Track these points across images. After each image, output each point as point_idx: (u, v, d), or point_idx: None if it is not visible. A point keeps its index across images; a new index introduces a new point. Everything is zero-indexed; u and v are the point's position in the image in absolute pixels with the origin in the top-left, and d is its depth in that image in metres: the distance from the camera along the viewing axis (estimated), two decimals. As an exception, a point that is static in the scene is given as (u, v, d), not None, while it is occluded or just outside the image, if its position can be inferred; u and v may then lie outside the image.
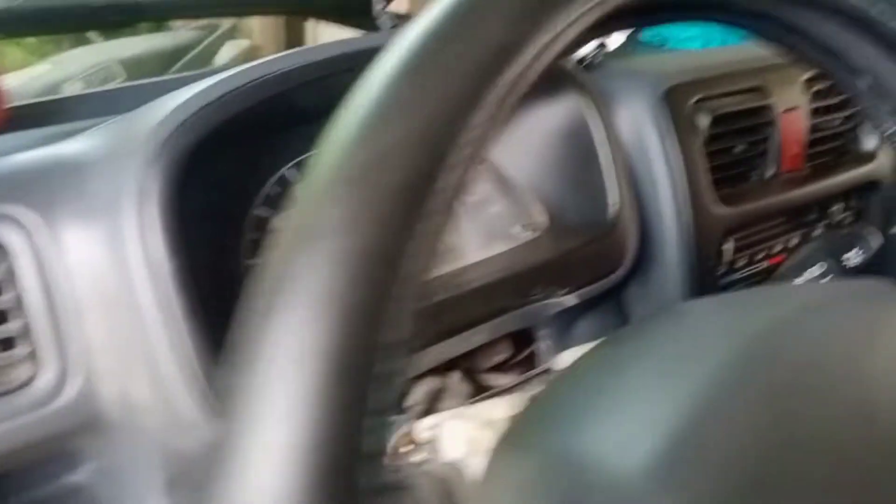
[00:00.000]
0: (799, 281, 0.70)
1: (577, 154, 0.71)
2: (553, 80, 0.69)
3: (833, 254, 0.62)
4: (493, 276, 0.64)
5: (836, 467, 0.31)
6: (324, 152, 0.22)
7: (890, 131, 0.51)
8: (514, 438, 0.40)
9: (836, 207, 0.91)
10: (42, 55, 1.33)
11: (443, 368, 0.69)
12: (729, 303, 0.45)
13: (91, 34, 1.33)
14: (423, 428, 0.58)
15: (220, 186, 0.62)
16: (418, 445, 0.57)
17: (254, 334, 0.20)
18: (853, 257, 0.62)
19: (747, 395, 0.33)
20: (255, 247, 0.63)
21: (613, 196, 0.69)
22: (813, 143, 0.86)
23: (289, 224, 0.21)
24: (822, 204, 0.91)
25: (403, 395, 0.65)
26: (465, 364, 0.70)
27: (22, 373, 0.48)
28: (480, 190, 0.76)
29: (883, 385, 0.35)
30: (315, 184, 0.22)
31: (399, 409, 0.64)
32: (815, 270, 0.62)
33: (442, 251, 0.21)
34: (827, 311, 0.39)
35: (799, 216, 0.88)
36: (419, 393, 0.64)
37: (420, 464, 0.55)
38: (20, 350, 0.48)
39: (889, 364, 0.36)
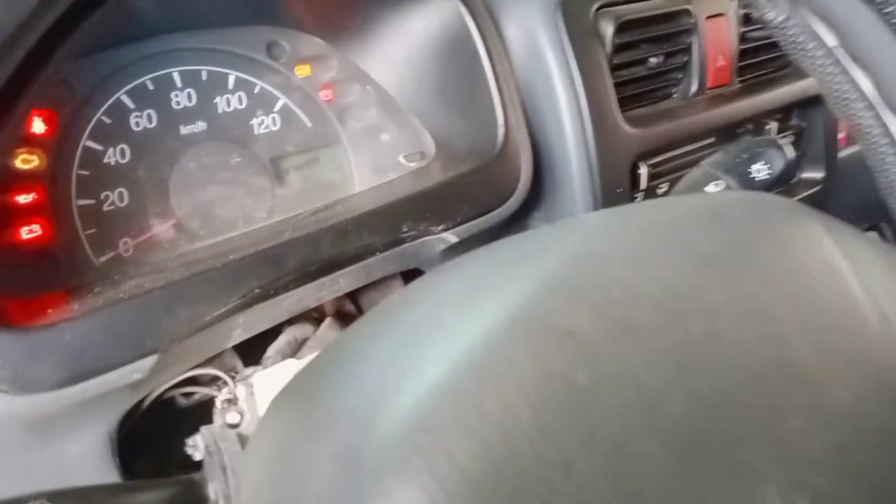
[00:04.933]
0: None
1: (461, 72, 0.63)
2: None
3: (735, 168, 0.55)
4: (359, 209, 0.57)
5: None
6: None
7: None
8: (289, 392, 0.34)
9: (771, 127, 0.83)
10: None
11: (314, 316, 0.62)
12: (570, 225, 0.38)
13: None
14: (241, 381, 0.52)
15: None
16: (234, 402, 0.51)
17: None
18: (760, 171, 0.54)
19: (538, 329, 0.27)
20: (86, 185, 0.56)
21: (500, 118, 0.61)
22: (743, 55, 0.78)
23: None
24: (755, 123, 0.83)
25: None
26: (339, 310, 0.64)
27: None
28: (368, 116, 0.69)
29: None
30: None
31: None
32: (713, 189, 0.54)
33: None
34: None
35: (729, 137, 0.81)
36: (281, 342, 0.58)
37: (233, 425, 0.49)
38: None
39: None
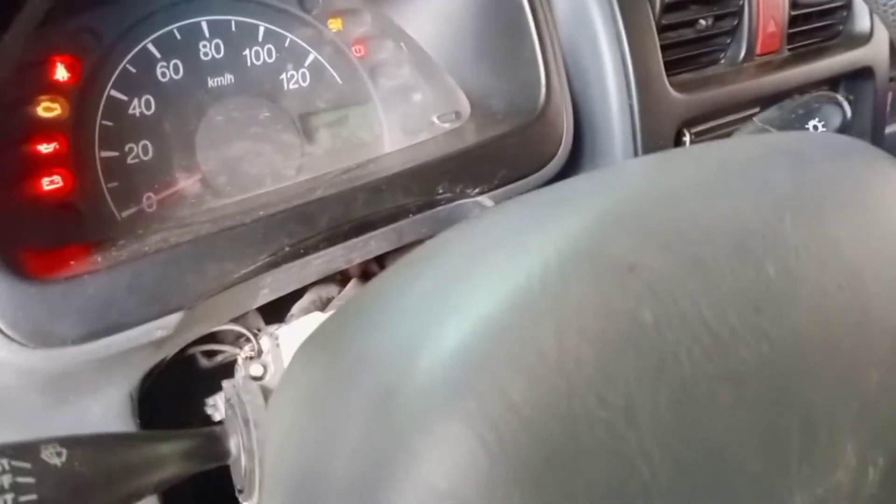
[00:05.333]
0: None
1: (502, 27, 0.60)
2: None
3: (789, 124, 0.51)
4: (392, 168, 0.54)
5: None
6: None
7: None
8: (316, 338, 0.32)
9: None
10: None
11: (340, 277, 0.60)
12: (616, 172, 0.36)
13: None
14: (267, 335, 0.50)
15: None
16: (257, 357, 0.49)
17: None
18: (816, 129, 0.51)
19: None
20: (110, 136, 0.54)
21: (542, 77, 0.58)
22: (794, 21, 0.74)
23: None
24: (802, 94, 0.79)
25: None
26: (364, 271, 0.62)
27: None
28: (400, 74, 0.66)
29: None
30: None
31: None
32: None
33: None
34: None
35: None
36: (306, 301, 0.56)
37: (256, 377, 0.47)
38: None
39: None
